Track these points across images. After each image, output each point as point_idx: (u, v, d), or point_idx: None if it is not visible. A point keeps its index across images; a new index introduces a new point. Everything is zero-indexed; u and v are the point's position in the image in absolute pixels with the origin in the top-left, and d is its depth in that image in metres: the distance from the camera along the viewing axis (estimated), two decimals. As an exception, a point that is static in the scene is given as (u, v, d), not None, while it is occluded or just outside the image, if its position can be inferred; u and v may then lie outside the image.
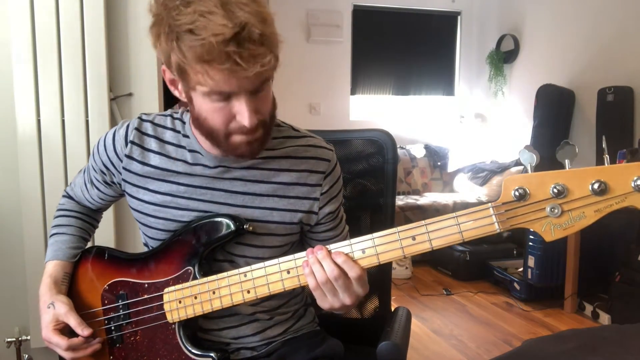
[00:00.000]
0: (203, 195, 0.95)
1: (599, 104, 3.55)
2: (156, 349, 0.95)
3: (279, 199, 0.95)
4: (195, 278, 0.93)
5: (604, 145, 0.74)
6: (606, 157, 0.74)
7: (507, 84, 4.58)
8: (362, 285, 0.84)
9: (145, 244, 1.04)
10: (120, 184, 1.01)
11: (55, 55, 1.68)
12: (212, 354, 0.92)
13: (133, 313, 0.97)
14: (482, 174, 4.28)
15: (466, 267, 3.56)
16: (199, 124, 0.87)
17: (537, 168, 0.75)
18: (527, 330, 2.79)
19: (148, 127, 0.98)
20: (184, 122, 0.97)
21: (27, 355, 1.82)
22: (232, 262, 0.97)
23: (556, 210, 0.73)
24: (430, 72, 4.88)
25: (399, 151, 4.42)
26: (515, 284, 3.21)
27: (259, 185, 0.95)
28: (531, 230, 0.75)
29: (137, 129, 0.97)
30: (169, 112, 1.01)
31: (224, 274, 0.90)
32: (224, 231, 0.92)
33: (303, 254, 0.86)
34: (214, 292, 0.91)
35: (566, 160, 0.73)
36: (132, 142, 0.97)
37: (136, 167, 0.97)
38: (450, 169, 4.58)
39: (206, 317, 0.95)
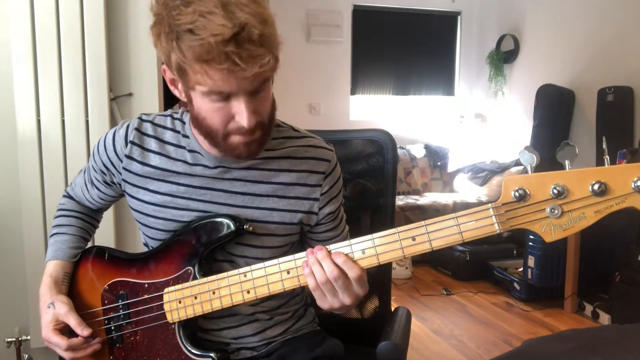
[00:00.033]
0: (203, 196, 0.95)
1: (599, 104, 3.55)
2: (156, 349, 0.95)
3: (279, 199, 0.95)
4: (195, 278, 0.93)
5: (604, 146, 0.74)
6: (606, 158, 0.74)
7: (507, 84, 4.58)
8: (362, 285, 0.84)
9: (145, 244, 1.04)
10: (120, 184, 1.01)
11: (55, 55, 1.68)
12: (211, 354, 0.92)
13: (133, 313, 0.97)
14: (482, 174, 4.28)
15: (466, 267, 3.56)
16: (198, 123, 0.87)
17: (537, 168, 0.75)
18: (527, 330, 2.79)
19: (148, 128, 0.98)
20: (183, 123, 0.97)
21: (27, 355, 1.83)
22: (232, 263, 0.97)
23: (556, 211, 0.73)
24: (430, 72, 4.88)
25: (399, 151, 4.42)
26: (515, 284, 3.21)
27: (259, 186, 0.95)
28: (531, 231, 0.75)
29: (137, 129, 0.97)
30: (169, 112, 1.01)
31: (224, 274, 0.90)
32: (224, 231, 0.92)
33: (303, 254, 0.86)
34: (214, 292, 0.91)
35: (566, 161, 0.73)
36: (132, 143, 0.97)
37: (136, 167, 0.97)
38: (450, 169, 4.59)
39: (206, 317, 0.95)
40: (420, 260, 3.89)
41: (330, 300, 0.85)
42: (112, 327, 0.99)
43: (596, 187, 0.71)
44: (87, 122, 1.74)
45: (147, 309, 0.96)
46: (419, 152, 4.57)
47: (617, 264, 2.75)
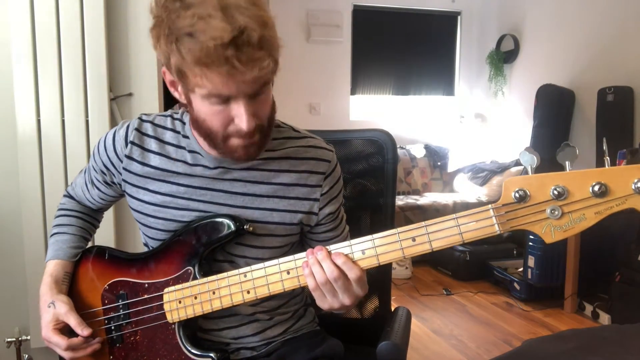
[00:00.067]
0: (203, 196, 0.95)
1: (599, 104, 3.55)
2: (156, 349, 0.95)
3: (279, 199, 0.95)
4: (195, 278, 0.93)
5: (604, 148, 0.74)
6: (607, 159, 0.74)
7: (507, 84, 4.58)
8: (362, 286, 0.85)
9: (145, 244, 1.05)
10: (120, 185, 1.01)
11: (55, 55, 1.68)
12: (211, 354, 0.92)
13: (133, 313, 0.97)
14: (482, 174, 4.28)
15: (466, 267, 3.56)
16: (198, 125, 0.87)
17: (538, 168, 0.75)
18: (527, 330, 2.79)
19: (148, 128, 0.98)
20: (184, 123, 0.97)
21: (27, 355, 1.83)
22: (232, 263, 0.97)
23: (556, 212, 0.73)
24: (430, 72, 4.88)
25: (399, 151, 4.42)
26: (515, 284, 3.21)
27: (259, 186, 0.95)
28: (531, 232, 0.75)
29: (137, 130, 0.97)
30: (169, 112, 1.01)
31: (224, 274, 0.90)
32: (224, 231, 0.92)
33: (303, 254, 0.86)
34: (214, 293, 0.91)
35: (566, 162, 0.73)
36: (132, 143, 0.97)
37: (136, 167, 0.97)
38: (450, 169, 4.59)
39: (206, 317, 0.95)
40: (420, 260, 3.89)
41: (330, 301, 0.85)
42: (112, 327, 0.99)
43: (596, 188, 0.71)
44: (87, 122, 1.74)
45: (147, 308, 0.96)
46: (419, 152, 4.57)
47: (617, 264, 2.75)
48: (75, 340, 0.95)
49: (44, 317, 0.98)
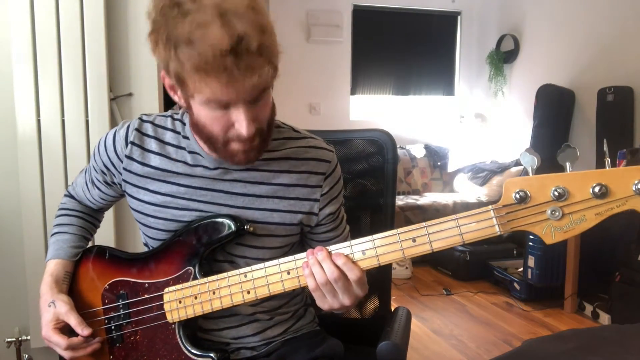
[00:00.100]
0: (203, 197, 0.95)
1: (599, 104, 3.55)
2: (156, 348, 0.95)
3: (279, 200, 0.95)
4: (195, 278, 0.93)
5: (605, 149, 0.74)
6: (607, 160, 0.74)
7: (507, 84, 4.58)
8: (362, 286, 0.85)
9: (146, 244, 1.05)
10: (120, 185, 1.01)
11: (55, 55, 1.68)
12: (211, 354, 0.92)
13: (133, 313, 0.97)
14: (482, 174, 4.28)
15: (466, 267, 3.56)
16: (198, 130, 0.87)
17: (538, 168, 0.75)
18: (527, 330, 2.79)
19: (148, 128, 0.98)
20: (184, 124, 0.97)
21: (27, 355, 1.83)
22: (233, 263, 0.97)
23: (557, 213, 0.73)
24: (430, 72, 4.88)
25: (399, 151, 4.42)
26: (515, 284, 3.21)
27: (259, 187, 0.95)
28: (531, 232, 0.75)
29: (138, 130, 0.97)
30: (169, 113, 1.01)
31: (224, 275, 0.90)
32: (224, 232, 0.92)
33: (303, 254, 0.86)
34: (214, 293, 0.91)
35: (567, 163, 0.73)
36: (132, 143, 0.97)
37: (136, 167, 0.97)
38: (450, 169, 4.59)
39: (206, 317, 0.95)
40: (420, 260, 3.89)
41: (330, 301, 0.85)
42: (112, 327, 0.99)
43: (597, 189, 0.71)
44: (87, 122, 1.74)
45: (147, 308, 0.96)
46: (419, 152, 4.57)
47: (617, 264, 2.75)
48: (75, 339, 0.95)
49: (44, 316, 0.98)
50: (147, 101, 1.84)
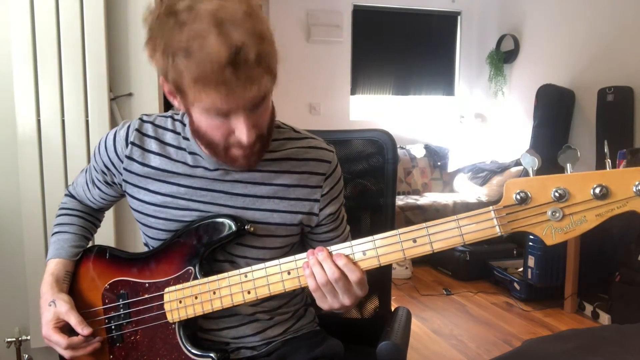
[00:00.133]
0: (203, 197, 0.95)
1: (599, 104, 3.55)
2: (156, 348, 0.96)
3: (280, 200, 0.95)
4: (196, 278, 0.93)
5: (606, 150, 0.74)
6: (608, 161, 0.74)
7: (507, 84, 4.58)
8: (362, 287, 0.85)
9: (146, 244, 1.05)
10: (121, 185, 1.01)
11: (55, 55, 1.68)
12: (211, 354, 0.92)
13: (133, 312, 0.97)
14: (482, 174, 4.28)
15: (466, 267, 3.56)
16: (199, 135, 0.87)
17: (538, 168, 0.75)
18: (527, 330, 2.79)
19: (149, 128, 0.98)
20: (184, 124, 0.97)
21: (27, 355, 1.83)
22: (233, 263, 0.97)
23: (557, 214, 0.73)
24: (430, 72, 4.88)
25: (399, 151, 4.42)
26: (515, 284, 3.21)
27: (260, 188, 0.95)
28: (532, 233, 0.75)
29: (138, 130, 0.97)
30: (169, 113, 1.01)
31: (225, 275, 0.90)
32: (225, 232, 0.92)
33: (304, 255, 0.86)
34: (214, 293, 0.91)
35: (568, 164, 0.73)
36: (133, 143, 0.97)
37: (136, 167, 0.97)
38: (450, 169, 4.59)
39: (206, 317, 0.95)
40: (420, 261, 3.89)
41: (330, 301, 0.85)
42: (113, 327, 0.99)
43: (598, 190, 0.71)
44: (87, 122, 1.74)
45: (147, 308, 0.96)
46: (419, 152, 4.57)
47: (617, 264, 2.75)
48: (75, 339, 0.95)
49: (45, 315, 0.98)
50: (147, 101, 1.84)
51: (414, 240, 0.80)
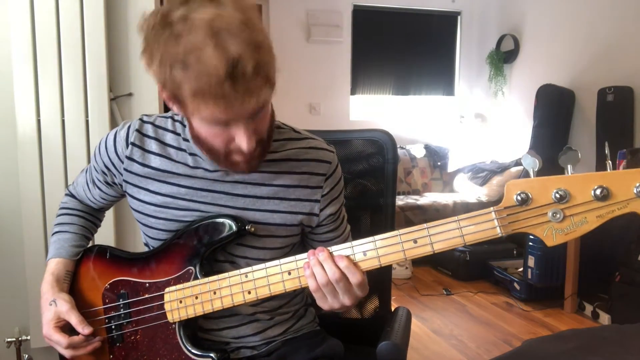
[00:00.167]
0: (204, 198, 0.95)
1: (599, 104, 3.55)
2: (156, 348, 0.96)
3: (280, 201, 0.96)
4: (196, 278, 0.93)
5: (606, 152, 0.74)
6: (609, 162, 0.74)
7: (507, 84, 4.58)
8: (363, 288, 0.85)
9: (146, 244, 1.05)
10: (121, 185, 1.01)
11: (55, 55, 1.68)
12: (212, 354, 0.92)
13: (134, 312, 0.97)
14: (482, 174, 4.28)
15: (466, 267, 3.56)
16: (199, 142, 0.87)
17: (539, 169, 0.76)
18: (527, 330, 2.79)
19: (149, 129, 0.98)
20: (184, 125, 0.97)
21: (27, 355, 1.83)
22: (233, 263, 0.97)
23: (558, 215, 0.73)
24: (430, 72, 4.88)
25: (399, 151, 4.42)
26: (515, 284, 3.21)
27: (260, 188, 0.95)
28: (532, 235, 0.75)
29: (138, 131, 0.97)
30: (169, 114, 1.01)
31: (225, 275, 0.90)
32: (225, 232, 0.92)
33: (304, 255, 0.86)
34: (214, 293, 0.91)
35: (568, 166, 0.73)
36: (133, 144, 0.97)
37: (137, 168, 0.97)
38: (450, 169, 4.59)
39: (206, 317, 0.95)
40: (421, 261, 3.89)
41: (331, 301, 0.85)
42: (113, 326, 0.99)
43: (598, 191, 0.71)
44: (87, 122, 1.73)
45: (147, 308, 0.96)
46: (419, 152, 4.57)
47: (617, 264, 2.75)
48: (76, 338, 0.95)
49: (45, 315, 0.98)
50: (147, 101, 1.84)
51: (415, 241, 0.80)
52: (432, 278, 3.70)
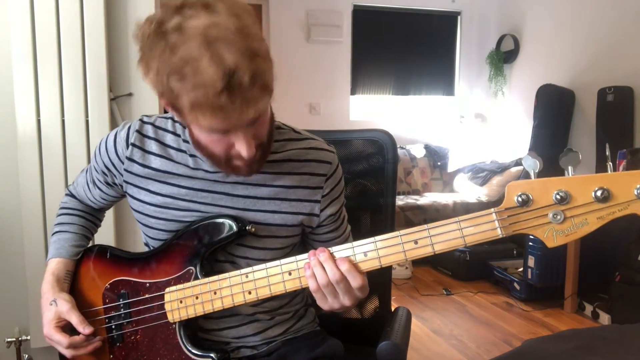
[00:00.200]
0: (204, 199, 0.95)
1: (599, 104, 3.55)
2: (156, 348, 0.96)
3: (281, 201, 0.96)
4: (196, 278, 0.93)
5: (607, 153, 0.74)
6: (609, 164, 0.74)
7: (507, 84, 4.58)
8: (363, 291, 0.85)
9: (146, 244, 1.05)
10: (121, 185, 1.01)
11: (55, 55, 1.68)
12: (212, 355, 0.92)
13: (134, 312, 0.97)
14: (482, 174, 4.28)
15: (466, 267, 3.56)
16: (200, 148, 0.87)
17: (539, 170, 0.76)
18: (527, 330, 2.79)
19: (149, 130, 0.98)
20: (184, 127, 0.97)
21: (27, 355, 1.83)
22: (234, 263, 0.97)
23: (559, 217, 0.73)
24: (430, 72, 4.88)
25: (399, 151, 4.42)
26: (515, 284, 3.22)
27: (261, 189, 0.95)
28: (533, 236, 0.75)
29: (138, 131, 0.97)
30: (169, 114, 1.00)
31: (226, 275, 0.90)
32: (225, 232, 0.92)
33: (305, 255, 0.86)
34: (215, 293, 0.91)
35: (569, 167, 0.73)
36: (133, 145, 0.97)
37: (137, 169, 0.97)
38: (450, 169, 4.59)
39: (207, 317, 0.95)
40: (421, 261, 3.85)
41: (331, 302, 0.85)
42: (113, 326, 0.99)
43: (599, 193, 0.71)
44: (87, 122, 1.74)
45: (148, 308, 0.96)
46: (419, 152, 4.57)
47: (617, 264, 2.75)
48: (76, 338, 0.95)
49: (46, 315, 0.98)
50: (147, 101, 1.84)
51: (416, 242, 0.80)
52: (432, 278, 3.70)
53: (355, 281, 0.83)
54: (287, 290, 0.87)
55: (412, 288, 3.45)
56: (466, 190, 4.36)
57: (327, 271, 0.82)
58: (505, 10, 4.60)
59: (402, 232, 0.81)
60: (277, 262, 0.88)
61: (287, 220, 0.96)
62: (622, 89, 3.40)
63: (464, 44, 4.92)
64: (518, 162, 4.16)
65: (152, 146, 0.97)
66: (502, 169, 4.20)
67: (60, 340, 0.95)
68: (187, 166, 0.95)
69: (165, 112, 0.97)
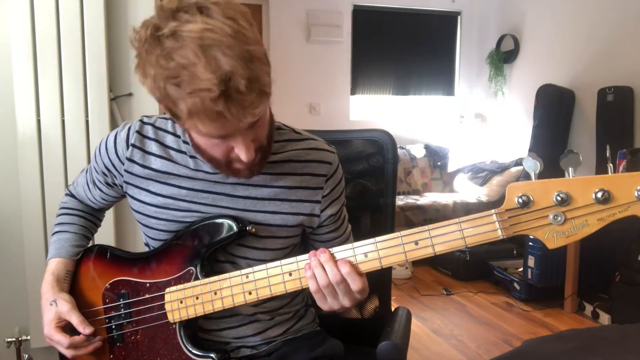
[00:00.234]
0: (205, 199, 0.95)
1: (599, 104, 3.55)
2: (156, 348, 0.96)
3: (281, 202, 0.96)
4: (197, 278, 0.93)
5: (607, 155, 0.74)
6: (610, 165, 0.74)
7: (507, 84, 4.58)
8: (363, 292, 0.85)
9: (147, 244, 1.05)
10: (122, 186, 1.01)
11: (55, 55, 1.68)
12: (212, 355, 0.92)
13: (134, 312, 0.97)
14: (482, 174, 4.28)
15: (466, 267, 3.56)
16: (200, 152, 0.88)
17: (540, 171, 0.76)
18: (527, 330, 2.79)
19: (149, 130, 0.98)
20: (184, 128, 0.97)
21: (27, 355, 1.83)
22: (234, 264, 0.97)
23: (559, 218, 0.73)
24: (430, 72, 4.88)
25: (399, 151, 4.43)
26: (515, 284, 3.22)
27: (261, 190, 0.95)
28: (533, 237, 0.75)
29: (138, 132, 0.97)
30: (169, 115, 1.00)
31: (226, 275, 0.90)
32: (226, 233, 0.92)
33: (305, 256, 0.86)
34: (215, 293, 0.91)
35: (570, 169, 0.73)
36: (133, 145, 0.97)
37: (137, 169, 0.97)
38: (450, 169, 4.59)
39: (207, 317, 0.95)
40: (421, 261, 3.82)
41: (330, 302, 0.85)
42: (113, 326, 0.99)
43: (600, 194, 0.71)
44: (87, 122, 1.74)
45: (148, 308, 0.96)
46: (419, 152, 4.57)
47: (617, 264, 2.75)
48: (77, 338, 0.96)
49: (46, 315, 0.98)
50: (147, 101, 1.84)
51: (416, 243, 0.80)
52: (432, 278, 3.70)
53: (355, 284, 0.83)
54: (288, 291, 0.87)
55: (412, 288, 3.45)
56: (466, 190, 4.36)
57: (327, 272, 0.83)
58: (505, 10, 4.60)
59: (403, 232, 0.81)
60: (277, 263, 0.88)
61: (288, 220, 0.96)
62: (622, 89, 3.40)
63: (464, 44, 4.93)
64: (518, 162, 4.16)
65: (152, 147, 0.97)
66: (502, 169, 4.20)
67: (61, 341, 0.95)
68: (188, 167, 0.95)
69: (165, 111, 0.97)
